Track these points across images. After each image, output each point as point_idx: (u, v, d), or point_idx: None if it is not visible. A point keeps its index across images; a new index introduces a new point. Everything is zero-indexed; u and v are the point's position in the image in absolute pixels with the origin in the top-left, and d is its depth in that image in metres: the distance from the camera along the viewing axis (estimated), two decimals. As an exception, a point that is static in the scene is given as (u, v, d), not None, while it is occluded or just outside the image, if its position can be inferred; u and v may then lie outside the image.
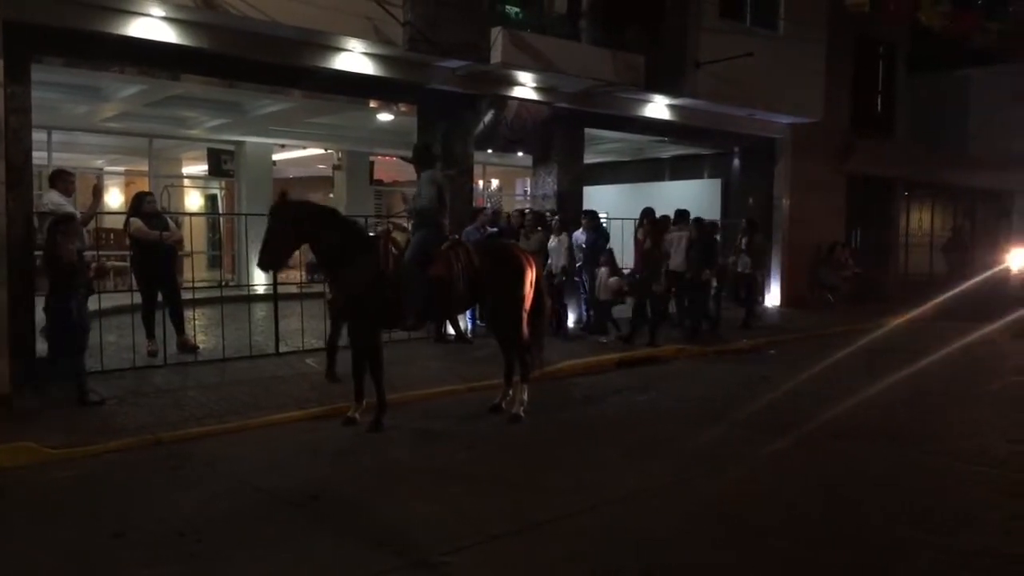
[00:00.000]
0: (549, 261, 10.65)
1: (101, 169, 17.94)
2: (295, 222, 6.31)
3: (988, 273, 13.97)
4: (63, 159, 14.56)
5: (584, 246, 11.12)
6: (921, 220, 19.25)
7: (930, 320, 12.82)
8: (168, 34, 8.32)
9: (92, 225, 9.01)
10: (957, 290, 13.89)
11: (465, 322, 10.42)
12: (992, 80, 20.09)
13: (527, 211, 11.79)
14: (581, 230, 11.31)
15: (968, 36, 14.91)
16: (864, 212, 17.40)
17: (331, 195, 19.76)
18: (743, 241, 12.66)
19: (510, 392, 7.05)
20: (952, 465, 5.67)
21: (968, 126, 20.38)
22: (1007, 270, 12.70)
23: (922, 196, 19.06)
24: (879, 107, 18.11)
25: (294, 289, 12.93)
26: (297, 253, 7.87)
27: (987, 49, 16.08)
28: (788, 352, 10.69)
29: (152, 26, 8.20)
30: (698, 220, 11.48)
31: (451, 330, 10.22)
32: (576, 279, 11.41)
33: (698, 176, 17.45)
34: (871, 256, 17.01)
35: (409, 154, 7.44)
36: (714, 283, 11.85)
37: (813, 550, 4.16)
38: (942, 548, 4.13)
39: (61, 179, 8.03)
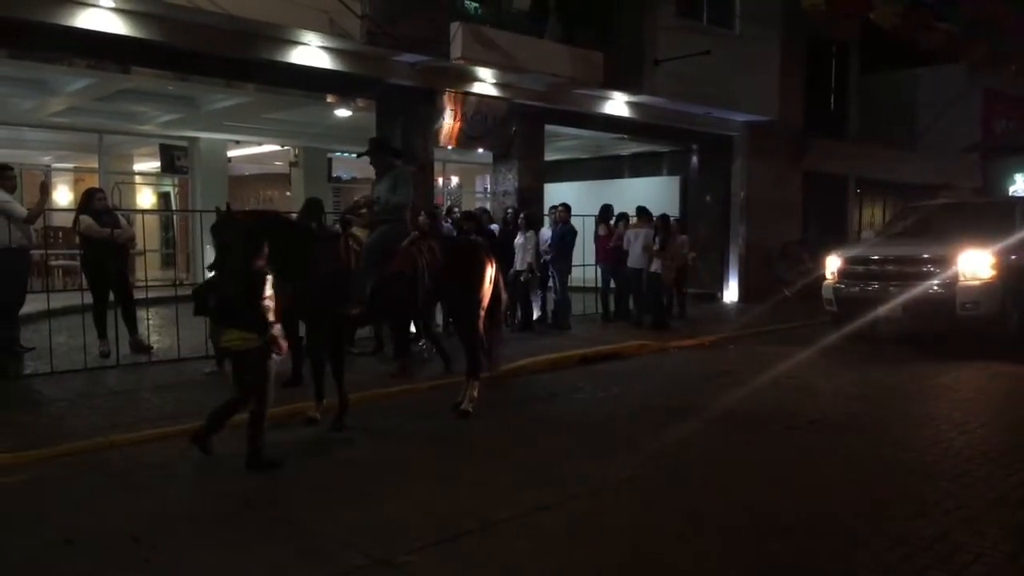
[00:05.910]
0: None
1: (49, 166, 17.47)
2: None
3: (808, 280, 13.98)
4: (8, 156, 14.13)
5: (550, 242, 11.13)
6: (873, 216, 19.66)
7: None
8: (117, 25, 8.11)
9: (40, 223, 8.76)
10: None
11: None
12: (939, 79, 20.62)
13: (509, 210, 11.65)
14: (547, 226, 11.36)
15: (917, 36, 15.26)
16: (819, 208, 17.71)
17: (288, 193, 19.51)
18: (656, 240, 11.56)
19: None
20: (903, 456, 5.78)
21: (917, 125, 20.90)
22: (822, 277, 12.28)
23: (874, 193, 19.47)
24: (832, 106, 18.47)
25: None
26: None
27: (935, 49, 16.46)
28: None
29: (101, 17, 7.99)
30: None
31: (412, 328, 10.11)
32: (548, 274, 11.37)
33: (657, 173, 17.61)
34: (825, 252, 17.26)
35: (365, 148, 7.01)
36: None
37: (772, 541, 4.19)
38: (898, 538, 4.20)
39: (1, 175, 7.80)
